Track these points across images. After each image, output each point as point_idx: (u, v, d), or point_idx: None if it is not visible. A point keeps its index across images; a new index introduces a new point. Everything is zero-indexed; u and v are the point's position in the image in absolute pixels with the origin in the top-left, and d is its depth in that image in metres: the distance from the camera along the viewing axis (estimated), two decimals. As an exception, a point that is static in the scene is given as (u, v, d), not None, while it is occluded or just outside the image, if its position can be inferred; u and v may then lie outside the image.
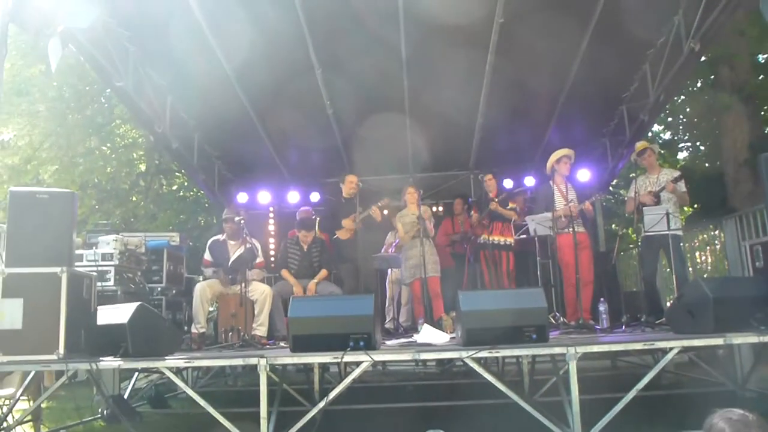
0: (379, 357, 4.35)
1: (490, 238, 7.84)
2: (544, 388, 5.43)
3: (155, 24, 6.69)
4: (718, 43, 8.39)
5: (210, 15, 6.70)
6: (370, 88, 8.06)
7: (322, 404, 4.21)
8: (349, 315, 4.36)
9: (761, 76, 11.94)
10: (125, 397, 6.16)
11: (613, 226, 14.34)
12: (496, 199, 7.96)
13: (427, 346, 4.90)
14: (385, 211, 7.93)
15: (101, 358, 4.49)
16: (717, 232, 8.18)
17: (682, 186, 6.51)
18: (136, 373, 6.49)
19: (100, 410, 5.59)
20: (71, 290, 4.63)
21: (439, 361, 7.30)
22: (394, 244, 8.48)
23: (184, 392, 4.59)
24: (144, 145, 14.33)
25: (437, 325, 6.20)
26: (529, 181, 10.05)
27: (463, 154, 10.28)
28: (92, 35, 6.26)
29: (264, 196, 10.78)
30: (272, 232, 10.77)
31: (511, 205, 8.07)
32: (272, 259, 9.57)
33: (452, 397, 5.86)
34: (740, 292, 4.63)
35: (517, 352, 4.49)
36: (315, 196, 10.58)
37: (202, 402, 4.27)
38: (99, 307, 5.00)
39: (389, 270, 8.31)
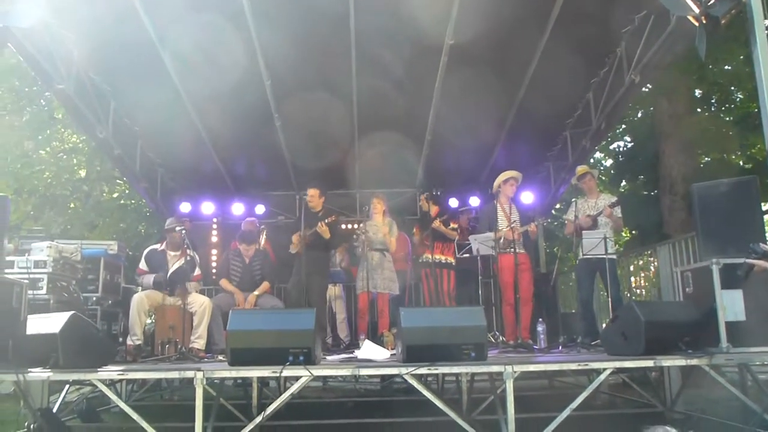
0: (318, 372, 4.31)
1: (432, 257, 7.89)
2: (482, 407, 5.46)
3: (102, 27, 6.52)
4: (658, 75, 8.73)
5: (158, 20, 6.58)
6: (318, 102, 8.01)
7: (259, 419, 4.15)
8: (289, 329, 4.30)
9: (698, 110, 12.50)
10: (54, 410, 5.90)
11: (555, 249, 14.70)
12: (439, 219, 8.03)
13: (367, 362, 4.89)
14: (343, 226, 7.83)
15: (29, 370, 4.31)
16: (652, 258, 8.46)
17: (618, 212, 6.82)
18: (67, 386, 6.24)
19: (26, 424, 5.32)
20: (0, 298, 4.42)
21: (381, 378, 7.30)
22: (338, 262, 8.47)
23: (117, 406, 4.44)
24: (85, 150, 13.92)
25: (379, 340, 6.20)
26: (474, 201, 10.24)
27: (410, 171, 10.34)
28: (33, 36, 6.07)
29: (208, 207, 10.61)
30: (215, 244, 10.59)
31: (452, 225, 8.16)
32: (213, 271, 9.39)
33: (392, 414, 5.84)
34: (670, 316, 4.79)
35: (455, 369, 4.51)
36: (260, 209, 10.48)
37: (135, 416, 4.15)
38: (29, 317, 4.78)
39: (330, 285, 8.26)
